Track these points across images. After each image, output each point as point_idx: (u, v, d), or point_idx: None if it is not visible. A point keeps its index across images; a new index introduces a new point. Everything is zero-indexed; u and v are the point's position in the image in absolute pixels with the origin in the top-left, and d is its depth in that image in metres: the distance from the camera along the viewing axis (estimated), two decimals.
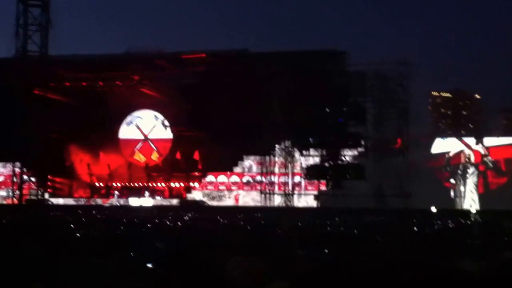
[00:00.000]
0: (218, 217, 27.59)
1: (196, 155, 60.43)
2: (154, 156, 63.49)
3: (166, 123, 61.80)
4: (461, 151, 66.44)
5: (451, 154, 67.19)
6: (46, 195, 57.66)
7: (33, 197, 55.43)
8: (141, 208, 48.86)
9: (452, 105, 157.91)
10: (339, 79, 51.23)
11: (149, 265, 9.25)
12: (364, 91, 51.82)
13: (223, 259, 8.25)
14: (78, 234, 15.22)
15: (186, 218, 28.68)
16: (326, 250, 10.91)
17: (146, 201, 57.49)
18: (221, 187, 59.56)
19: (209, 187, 59.65)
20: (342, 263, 9.62)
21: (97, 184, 62.70)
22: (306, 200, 55.76)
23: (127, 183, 61.85)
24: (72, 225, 19.98)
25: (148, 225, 20.56)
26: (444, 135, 78.34)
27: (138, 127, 64.07)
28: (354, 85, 51.17)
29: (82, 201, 58.95)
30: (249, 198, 58.18)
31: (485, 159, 65.28)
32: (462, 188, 65.42)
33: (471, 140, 67.46)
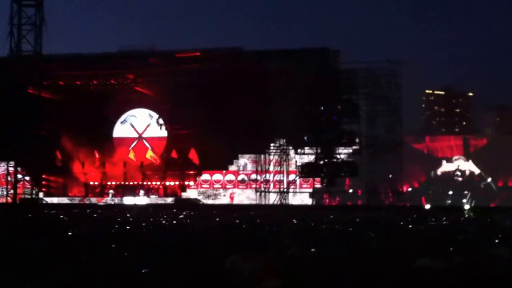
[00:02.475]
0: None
1: (191, 154, 60.37)
2: (149, 155, 63.42)
3: (161, 121, 61.70)
4: None
5: None
6: (41, 194, 57.54)
7: (27, 196, 55.30)
8: (135, 207, 48.83)
9: (445, 103, 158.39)
10: (332, 77, 51.35)
11: (144, 271, 9.16)
12: (357, 89, 52.00)
13: (220, 257, 8.31)
14: (70, 233, 15.23)
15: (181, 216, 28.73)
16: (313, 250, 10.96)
17: (141, 199, 57.47)
18: (216, 185, 59.59)
19: (204, 185, 59.66)
20: (335, 260, 9.69)
21: (91, 183, 62.58)
22: (301, 197, 55.83)
23: (121, 182, 61.75)
24: (65, 224, 20.02)
25: (143, 224, 20.61)
26: (437, 132, 78.63)
27: (132, 126, 64.02)
28: (347, 83, 51.33)
29: (76, 200, 58.88)
30: (244, 196, 58.26)
31: None
32: None
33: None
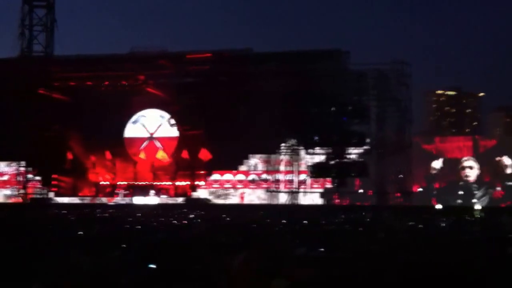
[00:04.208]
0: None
1: (202, 154, 60.43)
2: (160, 155, 63.53)
3: (172, 121, 61.75)
4: None
5: None
6: (51, 194, 57.79)
7: (37, 196, 55.57)
8: (145, 207, 48.95)
9: (455, 103, 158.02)
10: (342, 78, 51.46)
11: (152, 266, 9.21)
12: (366, 90, 52.10)
13: (224, 257, 8.35)
14: (80, 232, 15.29)
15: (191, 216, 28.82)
16: (322, 249, 10.99)
17: (152, 199, 57.57)
18: (227, 185, 59.67)
19: (215, 185, 59.76)
20: (342, 260, 9.73)
21: (102, 182, 62.70)
22: (311, 197, 55.85)
23: (132, 182, 61.86)
24: (73, 224, 20.12)
25: (154, 224, 20.72)
26: (447, 132, 78.32)
27: (143, 126, 64.15)
28: (356, 84, 51.43)
29: (87, 200, 59.04)
30: (255, 196, 58.32)
31: None
32: None
33: None
